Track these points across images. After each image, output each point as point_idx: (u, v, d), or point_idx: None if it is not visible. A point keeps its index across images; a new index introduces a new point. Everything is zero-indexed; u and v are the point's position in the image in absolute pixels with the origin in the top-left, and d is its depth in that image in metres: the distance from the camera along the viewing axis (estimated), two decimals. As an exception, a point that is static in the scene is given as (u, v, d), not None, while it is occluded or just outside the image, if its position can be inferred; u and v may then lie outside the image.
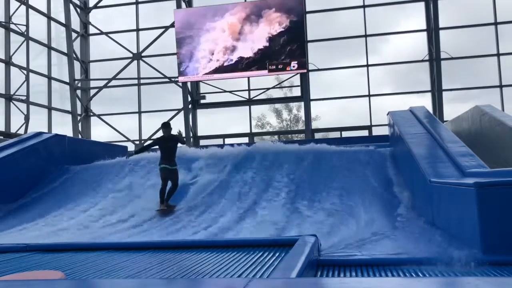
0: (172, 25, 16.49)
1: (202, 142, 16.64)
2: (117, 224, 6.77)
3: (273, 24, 15.50)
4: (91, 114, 17.68)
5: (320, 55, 16.40)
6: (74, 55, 17.14)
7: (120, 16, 17.83)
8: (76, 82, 17.16)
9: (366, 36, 16.20)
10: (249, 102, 16.79)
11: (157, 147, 8.10)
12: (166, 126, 7.93)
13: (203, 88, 17.10)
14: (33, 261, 4.10)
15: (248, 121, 16.96)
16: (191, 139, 16.42)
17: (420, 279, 2.72)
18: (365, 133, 16.07)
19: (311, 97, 16.33)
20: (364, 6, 16.25)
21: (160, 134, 16.52)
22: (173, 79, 16.66)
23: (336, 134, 16.34)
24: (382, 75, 16.57)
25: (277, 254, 3.84)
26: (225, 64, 15.83)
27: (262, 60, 15.54)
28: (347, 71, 16.68)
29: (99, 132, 17.63)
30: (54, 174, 9.54)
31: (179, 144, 8.00)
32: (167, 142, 7.78)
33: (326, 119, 17.11)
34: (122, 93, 17.74)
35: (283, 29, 15.44)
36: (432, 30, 15.36)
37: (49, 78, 16.38)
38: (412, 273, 3.40)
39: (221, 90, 16.78)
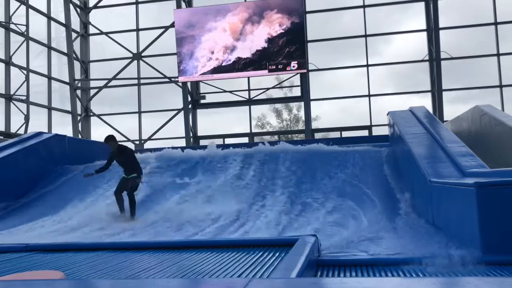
0: (172, 25, 16.49)
1: (202, 142, 16.65)
2: (116, 224, 6.77)
3: (273, 25, 15.50)
4: (91, 114, 17.67)
5: (322, 56, 16.40)
6: (74, 55, 17.14)
7: (120, 16, 17.82)
8: (76, 82, 17.16)
9: (366, 36, 16.19)
10: (249, 102, 16.78)
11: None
12: (108, 140, 7.48)
13: (203, 88, 17.10)
14: (33, 261, 4.09)
15: (248, 121, 16.96)
16: (191, 139, 16.42)
17: (420, 279, 2.72)
18: (365, 133, 16.07)
19: (311, 97, 16.33)
20: (364, 6, 16.24)
21: (158, 135, 16.63)
22: (173, 79, 16.66)
23: (336, 134, 16.33)
24: (383, 75, 16.57)
25: (277, 254, 3.84)
26: (225, 64, 15.83)
27: (261, 60, 15.54)
28: (348, 72, 16.68)
29: (99, 132, 17.64)
30: (54, 174, 9.54)
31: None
32: (118, 156, 7.47)
33: (326, 119, 17.13)
34: (122, 93, 17.75)
35: (283, 31, 15.43)
36: (432, 30, 15.36)
37: (49, 78, 16.38)
38: (412, 273, 3.40)
39: (221, 90, 16.77)
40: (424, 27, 16.02)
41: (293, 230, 5.77)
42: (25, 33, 14.97)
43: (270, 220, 6.37)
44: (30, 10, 15.45)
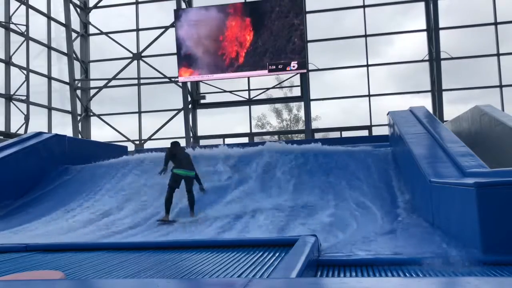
0: (172, 25, 16.49)
1: (202, 142, 16.64)
2: (116, 224, 6.77)
3: (274, 25, 15.49)
4: (91, 114, 17.67)
5: (323, 56, 16.40)
6: (74, 55, 17.14)
7: (120, 16, 17.83)
8: (76, 82, 17.16)
9: (366, 36, 16.19)
10: (249, 102, 16.78)
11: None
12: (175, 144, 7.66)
13: (203, 88, 17.10)
14: (33, 261, 4.10)
15: (248, 121, 16.96)
16: (191, 139, 16.41)
17: (420, 279, 2.72)
18: (365, 133, 16.07)
19: (312, 97, 16.33)
20: (364, 6, 16.24)
21: (158, 135, 16.58)
22: (173, 79, 16.66)
23: (336, 134, 16.34)
24: (383, 76, 16.57)
25: (277, 254, 3.84)
26: (225, 64, 15.82)
27: (261, 60, 15.53)
28: (349, 73, 16.67)
29: (99, 132, 17.64)
30: (54, 174, 9.54)
31: None
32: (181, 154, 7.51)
33: (326, 119, 17.13)
34: (122, 93, 17.75)
35: (283, 31, 15.42)
36: (432, 30, 15.36)
37: (49, 78, 16.38)
38: (412, 273, 3.40)
39: (221, 90, 16.78)
40: (424, 27, 16.02)
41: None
42: (25, 33, 14.97)
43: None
44: (30, 10, 15.45)
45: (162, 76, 16.82)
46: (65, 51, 16.95)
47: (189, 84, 16.57)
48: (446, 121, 13.58)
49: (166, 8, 17.22)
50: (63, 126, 16.67)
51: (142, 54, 17.20)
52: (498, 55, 15.34)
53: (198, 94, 16.94)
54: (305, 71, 15.64)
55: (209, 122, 17.45)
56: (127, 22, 17.54)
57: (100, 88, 17.51)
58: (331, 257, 3.89)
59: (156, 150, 10.37)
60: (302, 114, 17.63)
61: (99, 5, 17.78)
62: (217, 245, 4.44)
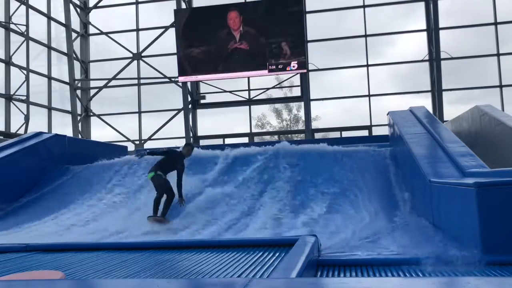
0: (172, 25, 16.49)
1: (202, 142, 16.64)
2: (116, 224, 6.76)
3: (274, 25, 15.47)
4: (91, 114, 17.67)
5: (324, 56, 16.39)
6: (74, 55, 17.13)
7: (120, 16, 17.83)
8: (76, 82, 17.15)
9: (366, 36, 16.19)
10: (249, 102, 16.78)
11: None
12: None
13: (203, 88, 17.10)
14: (33, 261, 4.10)
15: (248, 121, 16.96)
16: (191, 139, 16.41)
17: (420, 279, 2.72)
18: (365, 133, 16.07)
19: (312, 97, 16.33)
20: (364, 6, 16.24)
21: (158, 135, 16.60)
22: (173, 79, 16.66)
23: (336, 134, 16.34)
24: (384, 76, 16.56)
25: (277, 254, 3.84)
26: (225, 63, 15.80)
27: (261, 60, 15.52)
28: (350, 73, 16.66)
29: (99, 132, 17.64)
30: (54, 174, 9.54)
31: None
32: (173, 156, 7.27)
33: (326, 119, 17.13)
34: (122, 93, 17.74)
35: (283, 31, 15.41)
36: (432, 30, 15.36)
37: (49, 78, 16.38)
38: (412, 273, 3.40)
39: (221, 90, 16.77)
40: (424, 27, 16.01)
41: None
42: (25, 33, 14.97)
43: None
44: (30, 10, 15.45)
45: (162, 76, 16.82)
46: (65, 51, 16.95)
47: (189, 84, 16.57)
48: (446, 121, 13.57)
49: (166, 8, 17.23)
50: (63, 126, 16.67)
51: (142, 54, 17.20)
52: (498, 55, 15.34)
53: (198, 94, 16.94)
54: (305, 71, 15.63)
55: (209, 122, 17.46)
56: (127, 22, 17.55)
57: (100, 88, 17.51)
58: (331, 257, 3.89)
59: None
60: (302, 114, 17.62)
61: (99, 5, 17.78)
62: (217, 245, 4.44)
